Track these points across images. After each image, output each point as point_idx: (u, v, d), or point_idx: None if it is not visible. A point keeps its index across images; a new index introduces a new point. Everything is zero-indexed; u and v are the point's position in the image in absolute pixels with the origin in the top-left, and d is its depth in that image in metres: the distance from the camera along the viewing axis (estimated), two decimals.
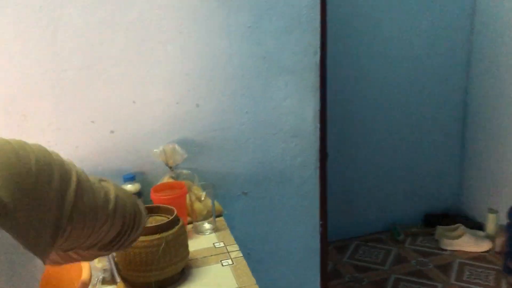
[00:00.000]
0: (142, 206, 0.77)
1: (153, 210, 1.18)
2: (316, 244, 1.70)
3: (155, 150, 1.39)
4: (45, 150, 0.54)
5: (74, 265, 0.94)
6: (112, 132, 1.39)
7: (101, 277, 1.08)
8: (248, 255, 1.59)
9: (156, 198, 1.28)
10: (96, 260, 1.16)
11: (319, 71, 1.49)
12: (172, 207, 1.16)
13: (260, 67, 1.44)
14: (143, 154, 1.42)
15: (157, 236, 1.06)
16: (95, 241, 0.64)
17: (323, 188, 1.76)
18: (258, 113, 1.48)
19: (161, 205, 1.19)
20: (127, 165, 1.43)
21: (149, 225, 1.10)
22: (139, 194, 1.40)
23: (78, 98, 1.34)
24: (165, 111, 1.41)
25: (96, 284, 1.05)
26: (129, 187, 1.39)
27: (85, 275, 0.90)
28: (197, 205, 1.38)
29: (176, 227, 1.10)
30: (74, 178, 0.56)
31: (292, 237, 1.66)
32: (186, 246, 1.14)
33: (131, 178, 1.40)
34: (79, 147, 1.38)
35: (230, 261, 1.19)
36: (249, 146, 1.51)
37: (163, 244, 1.05)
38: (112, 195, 0.65)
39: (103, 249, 0.69)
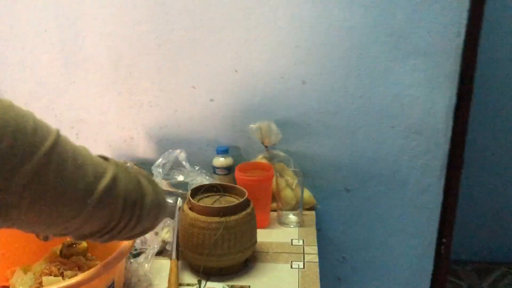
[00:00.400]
0: (154, 199, 0.65)
1: (227, 189, 1.08)
2: (428, 264, 1.42)
3: (251, 125, 1.28)
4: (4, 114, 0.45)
5: None
6: (211, 100, 1.32)
7: (157, 248, 1.02)
8: (342, 259, 1.42)
9: (239, 178, 1.17)
10: (165, 230, 1.12)
11: (460, 57, 1.19)
12: (245, 190, 1.04)
13: (384, 45, 1.20)
14: (240, 128, 1.32)
15: (216, 219, 0.95)
16: (63, 232, 0.55)
17: (453, 200, 1.45)
18: (375, 99, 1.25)
19: (236, 185, 1.08)
20: (223, 136, 1.35)
21: (214, 205, 1.00)
22: (229, 169, 1.31)
23: (181, 60, 1.29)
24: (268, 85, 1.28)
25: (150, 254, 0.99)
26: (222, 160, 1.31)
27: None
28: (287, 193, 1.23)
29: (242, 214, 0.97)
30: (37, 157, 0.46)
31: (398, 250, 1.40)
32: (252, 236, 1.01)
33: (224, 151, 1.32)
34: (178, 111, 1.34)
35: (301, 265, 1.03)
36: (359, 137, 1.30)
37: (221, 229, 0.94)
38: (101, 186, 0.54)
39: (81, 239, 0.60)
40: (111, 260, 0.77)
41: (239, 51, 1.26)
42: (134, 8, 1.25)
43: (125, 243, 0.84)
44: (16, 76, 1.37)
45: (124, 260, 0.89)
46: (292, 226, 1.21)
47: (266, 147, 1.31)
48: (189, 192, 1.03)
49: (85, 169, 0.53)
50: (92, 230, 0.57)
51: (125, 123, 1.37)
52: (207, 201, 1.03)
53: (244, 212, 0.98)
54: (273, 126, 1.27)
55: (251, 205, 1.02)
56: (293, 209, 1.23)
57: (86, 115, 1.39)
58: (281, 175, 1.26)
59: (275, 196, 1.23)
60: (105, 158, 0.61)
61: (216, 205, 1.01)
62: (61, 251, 0.96)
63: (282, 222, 1.22)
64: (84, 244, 0.99)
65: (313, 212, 1.29)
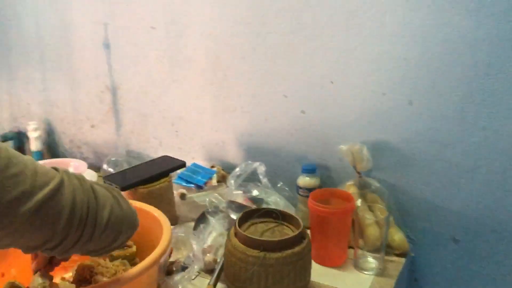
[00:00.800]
0: (113, 212, 0.62)
1: (285, 218, 0.95)
2: None
3: (341, 146, 1.11)
4: None
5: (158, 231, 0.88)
6: (302, 112, 1.19)
7: (196, 269, 0.95)
8: None
9: (312, 207, 1.02)
10: (221, 249, 1.04)
11: None
12: (301, 224, 0.89)
13: None
14: (331, 146, 1.16)
15: (255, 252, 0.83)
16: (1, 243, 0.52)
17: None
18: (503, 133, 0.97)
19: (294, 215, 0.94)
20: (312, 153, 1.21)
21: (261, 236, 0.89)
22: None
23: (275, 66, 1.18)
24: (367, 101, 1.09)
25: (187, 274, 0.93)
26: (307, 180, 1.18)
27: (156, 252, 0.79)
28: (372, 231, 1.04)
29: (286, 252, 0.84)
30: None
31: None
32: (298, 279, 0.86)
33: (311, 170, 1.18)
34: (269, 120, 1.24)
35: None
36: (477, 178, 1.02)
37: (256, 266, 0.83)
38: (39, 196, 0.51)
39: (28, 251, 0.57)
40: (114, 281, 0.72)
41: (337, 60, 1.10)
42: (234, 8, 1.19)
43: (148, 261, 0.79)
44: (130, 70, 1.44)
45: (152, 275, 0.85)
46: (369, 272, 1.02)
47: (358, 173, 1.13)
48: (239, 215, 0.93)
49: (20, 179, 0.50)
50: (37, 243, 0.55)
51: (219, 126, 1.33)
52: (259, 228, 0.92)
53: (289, 251, 0.84)
54: (365, 151, 1.08)
55: (305, 243, 0.87)
56: (376, 251, 1.03)
57: (185, 114, 1.39)
58: (370, 209, 1.07)
59: (355, 232, 1.05)
60: (56, 170, 0.58)
61: (267, 235, 0.90)
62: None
63: (358, 266, 1.04)
64: (133, 249, 0.98)
65: (403, 260, 1.07)
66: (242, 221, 0.93)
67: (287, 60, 1.16)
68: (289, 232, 0.91)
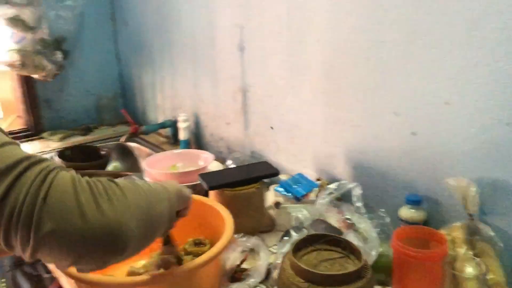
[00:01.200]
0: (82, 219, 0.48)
1: (353, 251, 0.85)
2: None
3: (448, 179, 0.94)
4: None
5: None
6: (413, 133, 1.04)
7: (253, 281, 0.92)
8: None
9: (395, 247, 0.89)
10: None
11: None
12: (363, 260, 0.79)
13: None
14: (442, 178, 0.99)
15: (299, 281, 0.78)
16: None
17: None
18: None
19: (360, 250, 0.83)
20: (420, 183, 1.06)
21: (313, 266, 0.82)
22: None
23: (387, 79, 1.06)
24: (487, 130, 0.90)
25: (245, 282, 0.91)
26: (411, 212, 1.04)
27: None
28: (469, 286, 0.87)
29: None
30: None
31: None
32: None
33: (416, 202, 1.03)
34: (378, 138, 1.13)
35: None
36: None
37: None
38: None
39: None
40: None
41: (454, 78, 0.93)
42: (350, 14, 1.11)
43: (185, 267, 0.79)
44: (258, 73, 1.47)
45: (208, 276, 0.87)
46: None
47: (470, 214, 0.95)
48: (300, 237, 0.87)
49: None
50: None
51: (329, 138, 1.27)
52: (321, 256, 0.85)
53: None
54: (472, 190, 0.89)
55: (361, 283, 0.77)
56: None
57: (299, 122, 1.36)
58: (475, 261, 0.89)
59: (444, 284, 0.88)
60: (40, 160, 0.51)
61: (324, 266, 0.82)
62: (184, 247, 1.00)
63: None
64: (206, 248, 1.00)
65: None
66: (304, 244, 0.87)
67: (400, 73, 1.03)
68: (350, 267, 0.82)
